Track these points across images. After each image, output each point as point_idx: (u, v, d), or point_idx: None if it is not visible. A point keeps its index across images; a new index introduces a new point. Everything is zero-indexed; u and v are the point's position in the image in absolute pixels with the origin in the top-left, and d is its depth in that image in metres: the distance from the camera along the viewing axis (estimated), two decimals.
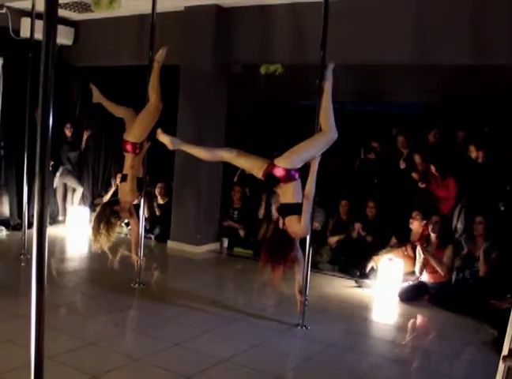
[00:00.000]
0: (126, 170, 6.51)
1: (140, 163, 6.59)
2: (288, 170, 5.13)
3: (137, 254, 6.60)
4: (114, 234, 6.31)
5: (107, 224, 6.20)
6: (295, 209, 5.19)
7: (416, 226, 7.49)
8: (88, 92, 10.04)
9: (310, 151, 5.19)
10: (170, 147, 5.64)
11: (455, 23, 6.59)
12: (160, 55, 6.50)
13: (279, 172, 5.13)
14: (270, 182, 5.33)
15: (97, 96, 6.99)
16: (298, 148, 5.21)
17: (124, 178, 6.50)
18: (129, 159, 6.49)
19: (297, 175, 5.20)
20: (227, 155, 5.46)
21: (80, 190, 10.19)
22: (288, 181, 5.16)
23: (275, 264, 5.15)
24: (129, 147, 6.42)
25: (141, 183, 6.64)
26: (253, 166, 5.35)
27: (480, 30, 6.48)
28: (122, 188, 6.50)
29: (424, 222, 7.38)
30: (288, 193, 5.24)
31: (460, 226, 7.65)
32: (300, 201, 5.18)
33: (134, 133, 6.43)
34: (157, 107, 6.44)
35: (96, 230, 6.23)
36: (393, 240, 7.69)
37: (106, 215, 6.26)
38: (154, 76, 6.46)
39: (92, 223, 6.35)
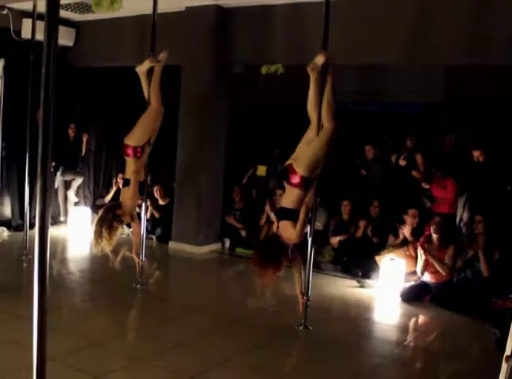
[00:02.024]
0: (128, 174, 6.48)
1: (142, 167, 6.55)
2: (303, 179, 5.12)
3: (138, 256, 6.60)
4: (116, 238, 6.30)
5: (108, 228, 6.17)
6: (290, 215, 5.18)
7: (409, 221, 7.51)
8: (89, 93, 10.19)
9: (322, 154, 5.19)
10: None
11: (455, 23, 6.59)
12: (161, 59, 6.47)
13: (295, 179, 5.14)
14: (283, 176, 5.36)
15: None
16: (311, 153, 5.18)
17: (126, 183, 6.48)
18: (131, 163, 6.44)
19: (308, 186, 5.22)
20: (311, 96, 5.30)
21: (78, 180, 10.19)
22: (297, 188, 5.17)
23: (265, 268, 5.10)
24: (130, 151, 6.36)
25: (143, 187, 6.63)
26: (307, 135, 5.35)
27: (479, 30, 6.47)
28: (124, 193, 6.46)
29: (417, 219, 7.44)
30: (289, 197, 5.24)
31: (466, 214, 7.62)
32: (298, 209, 5.17)
33: (135, 137, 6.36)
34: (158, 111, 6.40)
35: (98, 234, 6.21)
36: (391, 238, 7.68)
37: (108, 219, 6.22)
38: (155, 79, 6.40)
39: (94, 227, 6.30)
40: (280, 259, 5.11)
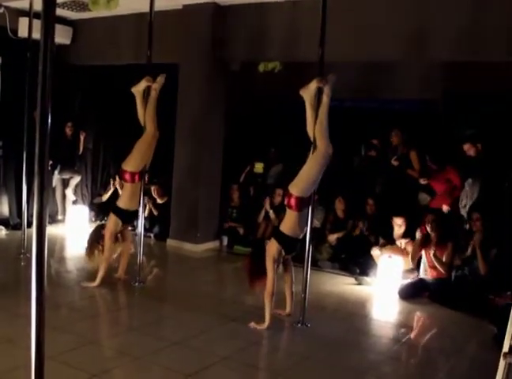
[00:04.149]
0: (122, 201, 6.48)
1: (138, 192, 6.51)
2: (299, 199, 5.26)
3: (124, 274, 6.70)
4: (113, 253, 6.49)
5: (100, 246, 6.37)
6: (281, 238, 5.35)
7: (402, 230, 7.52)
8: (86, 91, 10.18)
9: (314, 174, 5.30)
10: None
11: (453, 19, 6.59)
12: (158, 83, 6.37)
13: (291, 201, 5.29)
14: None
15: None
16: (303, 175, 5.32)
17: (115, 211, 6.47)
18: (128, 187, 6.45)
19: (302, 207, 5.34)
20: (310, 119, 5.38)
21: (76, 179, 10.20)
22: (294, 210, 5.30)
23: (253, 279, 5.44)
24: (127, 176, 6.37)
25: (135, 216, 6.61)
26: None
27: (478, 26, 6.47)
28: (111, 219, 6.47)
29: (402, 220, 7.49)
30: (287, 221, 5.41)
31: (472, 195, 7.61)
32: (291, 235, 5.34)
33: (132, 163, 6.36)
34: (154, 136, 6.39)
35: (90, 252, 6.41)
36: (382, 241, 7.68)
37: (96, 239, 6.42)
38: (150, 103, 6.34)
39: (86, 245, 6.49)
40: (265, 274, 5.34)
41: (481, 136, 7.70)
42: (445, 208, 7.72)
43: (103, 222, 8.41)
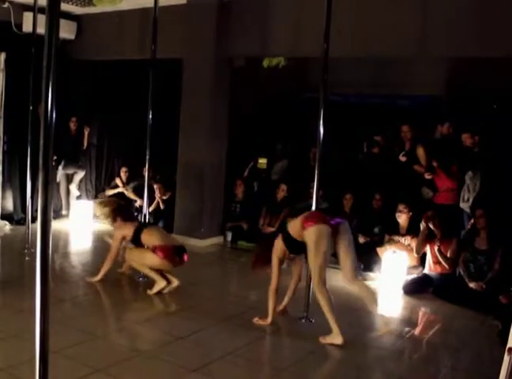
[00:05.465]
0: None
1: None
2: None
3: (129, 269, 6.73)
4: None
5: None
6: (287, 239, 5.31)
7: (403, 219, 7.50)
8: (90, 86, 10.18)
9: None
10: None
11: (459, 14, 6.56)
12: None
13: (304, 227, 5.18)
14: None
15: None
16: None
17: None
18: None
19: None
20: None
21: (80, 174, 10.20)
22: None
23: (257, 262, 5.59)
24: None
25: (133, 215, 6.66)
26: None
27: (485, 21, 6.44)
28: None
29: (411, 214, 7.43)
30: (293, 226, 5.29)
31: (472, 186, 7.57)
32: (296, 238, 5.25)
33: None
34: None
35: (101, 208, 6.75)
36: (387, 237, 7.65)
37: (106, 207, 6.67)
38: None
39: (97, 205, 6.90)
40: (269, 263, 5.40)
41: (482, 129, 7.68)
42: None
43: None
